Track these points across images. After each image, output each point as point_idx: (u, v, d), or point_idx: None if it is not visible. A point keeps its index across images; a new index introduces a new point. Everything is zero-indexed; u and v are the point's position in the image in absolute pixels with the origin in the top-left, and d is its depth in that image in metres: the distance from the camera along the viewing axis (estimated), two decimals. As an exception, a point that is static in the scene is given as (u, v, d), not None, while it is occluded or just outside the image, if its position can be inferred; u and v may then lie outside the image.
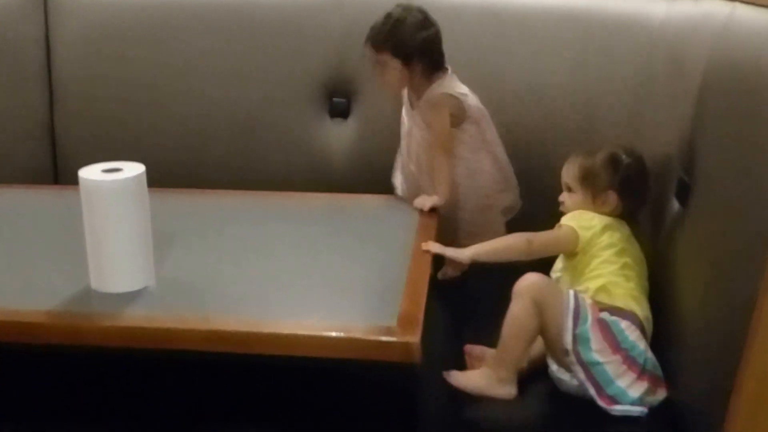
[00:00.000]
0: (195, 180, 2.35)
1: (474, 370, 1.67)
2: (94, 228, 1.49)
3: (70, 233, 1.59)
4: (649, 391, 1.61)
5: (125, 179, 1.47)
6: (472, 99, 2.05)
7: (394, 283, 1.55)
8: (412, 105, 2.07)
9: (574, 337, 1.59)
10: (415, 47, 1.96)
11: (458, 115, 2.01)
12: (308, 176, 2.39)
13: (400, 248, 1.71)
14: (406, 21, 1.97)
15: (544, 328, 1.62)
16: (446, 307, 1.89)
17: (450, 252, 1.77)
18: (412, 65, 1.97)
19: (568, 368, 1.62)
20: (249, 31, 2.43)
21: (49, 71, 2.52)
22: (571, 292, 1.63)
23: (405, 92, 2.11)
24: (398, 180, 2.18)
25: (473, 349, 1.75)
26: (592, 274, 1.71)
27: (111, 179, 1.46)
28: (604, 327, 1.61)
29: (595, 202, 1.80)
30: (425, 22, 1.99)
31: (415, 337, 1.35)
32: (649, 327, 1.68)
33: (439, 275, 2.02)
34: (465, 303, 1.97)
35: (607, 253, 1.72)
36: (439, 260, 1.83)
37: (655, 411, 1.60)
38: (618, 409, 1.58)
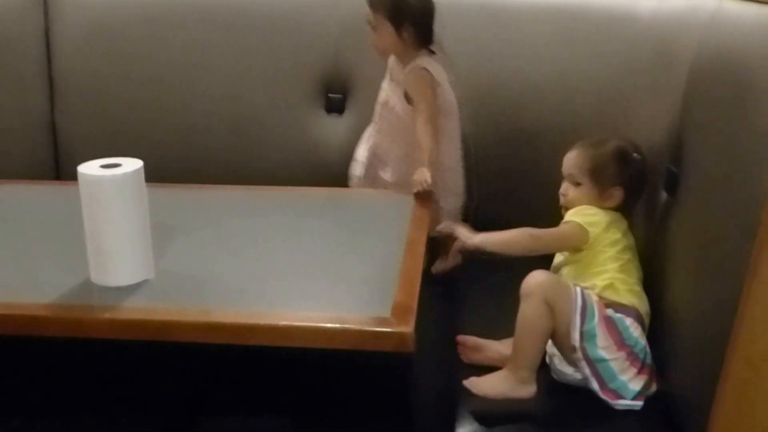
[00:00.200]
0: (193, 175, 2.34)
1: (492, 375, 1.63)
2: (94, 222, 1.48)
3: (70, 228, 1.58)
4: (647, 384, 1.61)
5: (124, 174, 1.47)
6: (447, 91, 2.07)
7: (389, 274, 1.54)
8: (392, 76, 2.10)
9: (582, 334, 1.58)
10: (409, 14, 2.01)
11: None
12: (305, 171, 2.40)
13: (394, 240, 1.71)
14: None
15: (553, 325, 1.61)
16: (439, 298, 1.89)
17: (461, 231, 1.76)
18: (402, 31, 2.01)
19: (573, 363, 1.61)
20: (247, 28, 2.44)
21: (50, 68, 2.52)
22: (578, 290, 1.62)
23: (390, 62, 2.13)
24: (360, 154, 2.18)
25: (467, 340, 1.75)
26: (598, 271, 1.69)
27: (110, 174, 1.46)
28: (610, 324, 1.61)
29: (601, 197, 1.76)
30: None
31: (409, 327, 1.35)
32: (647, 321, 1.68)
33: (432, 269, 2.03)
34: (458, 294, 1.97)
35: (612, 250, 1.70)
36: (432, 254, 1.83)
37: (647, 400, 1.60)
38: (621, 403, 1.59)
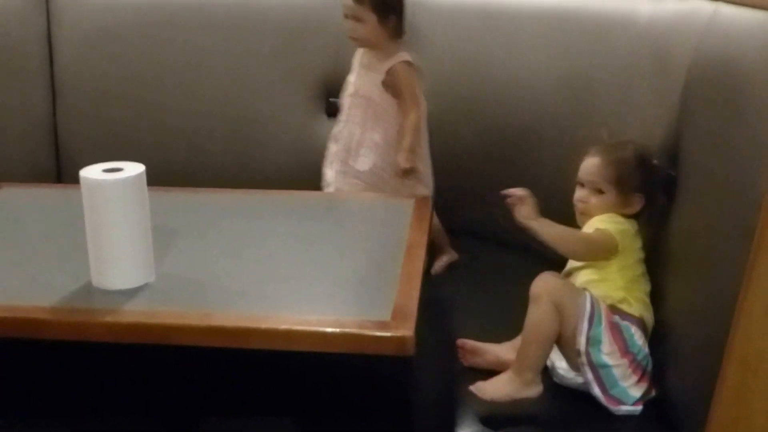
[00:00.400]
0: (194, 177, 2.35)
1: (498, 378, 1.59)
2: (96, 226, 1.47)
3: (72, 231, 1.57)
4: (647, 391, 1.59)
5: (125, 178, 1.45)
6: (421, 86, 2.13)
7: (389, 278, 1.53)
8: (367, 67, 2.14)
9: (588, 339, 1.56)
10: (392, 5, 2.08)
11: None
12: (305, 174, 2.38)
13: (394, 243, 1.69)
14: None
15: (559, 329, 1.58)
16: (439, 301, 1.88)
17: (521, 209, 1.65)
18: (386, 22, 2.07)
19: (575, 367, 1.59)
20: (248, 32, 2.44)
21: (52, 70, 2.52)
22: (588, 295, 1.59)
23: (360, 54, 2.17)
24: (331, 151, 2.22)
25: (465, 344, 1.72)
26: (613, 280, 1.64)
27: (112, 179, 1.45)
28: (616, 331, 1.58)
29: (623, 204, 1.69)
30: None
31: (409, 331, 1.34)
32: (650, 330, 1.65)
33: (432, 271, 2.02)
34: (457, 297, 1.96)
35: (632, 260, 1.66)
36: (430, 256, 1.81)
37: (646, 404, 1.59)
38: (622, 409, 1.57)
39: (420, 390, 1.62)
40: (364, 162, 2.16)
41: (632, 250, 1.66)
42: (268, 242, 1.74)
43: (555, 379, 1.65)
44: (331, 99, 2.38)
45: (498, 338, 1.73)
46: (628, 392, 1.57)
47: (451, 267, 2.15)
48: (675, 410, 1.54)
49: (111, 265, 1.48)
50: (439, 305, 1.87)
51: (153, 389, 1.61)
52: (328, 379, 1.55)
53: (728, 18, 1.58)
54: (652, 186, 1.68)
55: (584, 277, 1.67)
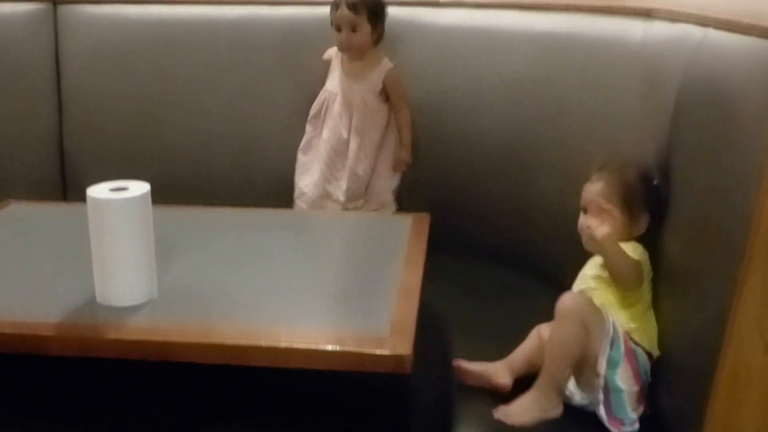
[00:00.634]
0: (198, 192, 2.35)
1: (522, 401, 1.56)
2: (101, 244, 1.47)
3: (77, 248, 1.57)
4: (644, 411, 1.58)
5: (131, 198, 1.45)
6: None
7: (387, 293, 1.53)
8: (357, 75, 2.25)
9: (607, 361, 1.54)
10: (382, 14, 2.22)
11: None
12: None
13: (392, 259, 1.69)
14: None
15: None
16: (437, 317, 1.87)
17: (605, 228, 1.61)
18: (375, 31, 2.21)
19: (586, 387, 1.56)
20: (253, 48, 2.45)
21: (59, 85, 2.52)
22: (610, 319, 1.56)
23: (336, 64, 2.26)
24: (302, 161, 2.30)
25: (460, 365, 1.69)
26: (632, 314, 1.61)
27: (117, 198, 1.45)
28: (632, 356, 1.57)
29: (630, 225, 1.66)
30: None
31: (407, 349, 1.33)
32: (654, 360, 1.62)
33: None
34: (455, 314, 1.95)
35: (645, 285, 1.63)
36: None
37: (641, 420, 1.58)
38: (625, 430, 1.55)
39: (417, 405, 1.60)
40: (358, 166, 2.23)
41: (648, 281, 1.64)
42: (267, 258, 1.73)
43: None
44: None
45: (493, 353, 1.72)
46: (631, 415, 1.55)
47: (447, 282, 2.14)
48: (668, 426, 1.53)
49: (115, 282, 1.48)
50: (435, 320, 1.86)
51: (152, 402, 1.59)
52: (325, 394, 1.54)
53: (717, 42, 1.58)
54: (655, 205, 1.66)
55: (600, 299, 1.64)
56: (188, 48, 2.47)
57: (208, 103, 2.47)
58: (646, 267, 1.63)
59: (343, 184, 2.26)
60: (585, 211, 1.73)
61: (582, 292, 1.64)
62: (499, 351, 1.71)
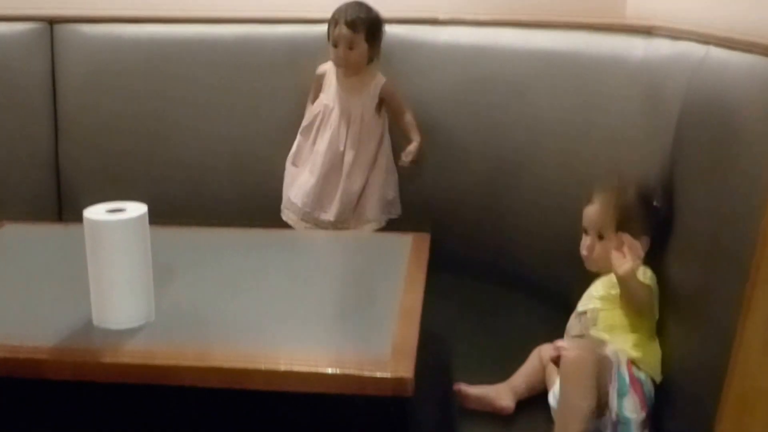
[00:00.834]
0: (195, 212, 2.34)
1: None
2: (98, 266, 1.46)
3: (73, 270, 1.56)
4: None
5: (129, 219, 1.45)
6: None
7: (387, 314, 1.52)
8: (353, 89, 2.28)
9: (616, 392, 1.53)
10: (379, 33, 2.26)
11: None
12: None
13: (392, 280, 1.68)
14: (373, 11, 2.25)
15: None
16: (437, 338, 1.86)
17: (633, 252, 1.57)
18: (372, 48, 2.25)
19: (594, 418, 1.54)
20: (250, 68, 2.45)
21: (55, 106, 2.52)
22: (615, 358, 1.54)
23: (331, 79, 2.29)
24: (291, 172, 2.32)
25: (460, 389, 1.68)
26: (635, 337, 1.60)
27: (115, 219, 1.44)
28: (638, 384, 1.55)
29: None
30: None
31: (408, 372, 1.33)
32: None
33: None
34: (456, 335, 1.94)
35: (654, 317, 1.62)
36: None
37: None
38: None
39: (418, 429, 1.60)
40: (351, 180, 2.26)
41: (656, 305, 1.62)
42: (266, 279, 1.73)
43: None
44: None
45: (495, 374, 1.71)
46: None
47: (447, 301, 2.14)
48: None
49: (112, 305, 1.47)
50: (435, 341, 1.85)
51: (149, 427, 1.58)
52: (324, 417, 1.53)
53: (719, 60, 1.58)
54: (655, 228, 1.65)
55: (606, 321, 1.63)
56: (185, 67, 2.47)
57: (206, 123, 2.47)
58: (655, 290, 1.62)
59: (336, 204, 2.28)
60: (586, 232, 1.72)
61: (585, 344, 1.61)
62: (500, 372, 1.70)
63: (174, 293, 1.62)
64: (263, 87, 2.44)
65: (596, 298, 1.67)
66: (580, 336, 1.64)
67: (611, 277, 1.64)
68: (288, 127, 2.40)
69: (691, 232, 1.56)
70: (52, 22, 2.51)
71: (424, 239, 1.91)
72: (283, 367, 1.36)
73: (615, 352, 1.56)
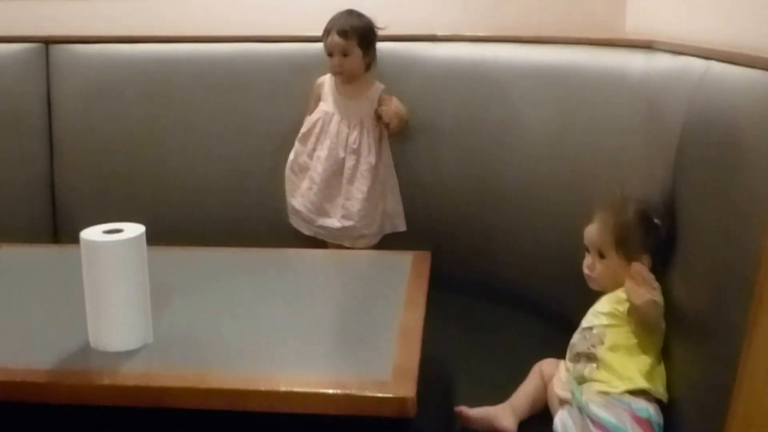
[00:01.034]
0: (191, 233, 2.34)
1: None
2: (95, 288, 1.46)
3: (69, 291, 1.57)
4: None
5: (126, 240, 1.45)
6: None
7: (388, 334, 1.52)
8: (353, 96, 2.33)
9: None
10: (372, 39, 2.30)
11: None
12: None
13: (392, 300, 1.68)
14: (364, 18, 2.31)
15: None
16: (438, 359, 1.86)
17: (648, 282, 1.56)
18: (366, 55, 2.30)
19: None
20: (245, 88, 2.46)
21: (50, 127, 2.52)
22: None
23: (331, 88, 2.34)
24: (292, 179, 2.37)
25: (461, 411, 1.67)
26: (642, 359, 1.57)
27: (111, 240, 1.44)
28: (646, 425, 1.52)
29: (630, 266, 1.62)
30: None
31: (410, 392, 1.33)
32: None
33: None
34: (457, 355, 1.94)
35: (660, 328, 1.60)
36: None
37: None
38: None
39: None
40: (357, 187, 2.30)
41: (663, 323, 1.61)
42: (265, 299, 1.73)
43: None
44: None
45: (496, 394, 1.71)
46: None
47: (446, 320, 2.14)
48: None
49: (110, 327, 1.47)
50: (435, 360, 1.85)
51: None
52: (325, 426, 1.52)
53: (720, 75, 1.58)
54: (656, 246, 1.64)
55: (613, 340, 1.61)
56: (181, 87, 2.48)
57: (202, 142, 2.48)
58: (662, 307, 1.60)
59: (339, 210, 2.33)
60: (588, 251, 1.72)
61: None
62: (502, 391, 1.70)
63: (172, 314, 1.62)
64: (260, 106, 2.45)
65: (602, 314, 1.65)
66: (586, 354, 1.63)
67: (617, 293, 1.64)
68: (285, 145, 2.41)
69: (695, 250, 1.55)
70: (47, 42, 2.52)
71: (425, 257, 1.92)
72: (283, 388, 1.35)
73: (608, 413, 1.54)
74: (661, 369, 1.59)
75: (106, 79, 2.50)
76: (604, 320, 1.64)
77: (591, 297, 1.74)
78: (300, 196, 2.37)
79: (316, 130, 2.35)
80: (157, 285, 1.56)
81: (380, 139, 2.35)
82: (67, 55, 2.51)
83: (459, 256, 2.29)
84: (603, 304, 1.67)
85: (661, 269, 1.64)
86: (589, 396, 1.57)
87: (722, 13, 1.88)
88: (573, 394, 1.60)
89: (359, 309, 1.71)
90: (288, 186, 2.41)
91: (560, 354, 1.73)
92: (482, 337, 2.03)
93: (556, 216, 2.07)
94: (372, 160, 2.31)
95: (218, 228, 2.47)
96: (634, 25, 2.45)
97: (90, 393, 1.39)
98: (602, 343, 1.61)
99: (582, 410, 1.56)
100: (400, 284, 1.76)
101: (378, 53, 2.35)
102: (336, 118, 2.32)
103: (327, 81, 2.38)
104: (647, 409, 1.54)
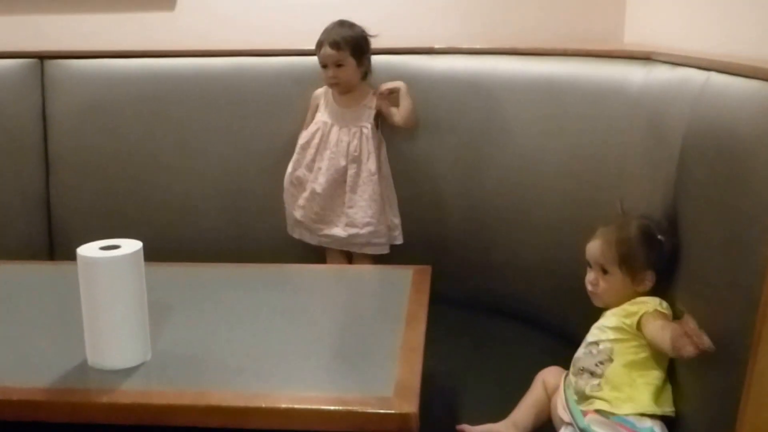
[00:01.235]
0: (188, 250, 2.34)
1: None
2: (92, 305, 1.46)
3: (66, 309, 1.57)
4: None
5: (123, 256, 1.45)
6: None
7: (389, 350, 1.52)
8: (350, 104, 2.36)
9: None
10: (365, 49, 2.34)
11: None
12: (299, 247, 2.40)
13: (393, 315, 1.68)
14: (357, 27, 2.34)
15: None
16: (440, 375, 1.86)
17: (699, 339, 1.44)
18: (361, 65, 2.33)
19: None
20: (241, 104, 2.47)
21: (46, 145, 2.53)
22: None
23: (328, 99, 2.37)
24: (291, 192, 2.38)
25: (464, 428, 1.68)
26: (650, 375, 1.58)
27: (108, 256, 1.44)
28: None
29: (633, 283, 1.65)
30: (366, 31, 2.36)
31: (413, 408, 1.32)
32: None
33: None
34: (458, 372, 1.94)
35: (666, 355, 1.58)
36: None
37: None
38: None
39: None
40: (360, 195, 2.33)
41: None
42: (264, 316, 1.73)
43: None
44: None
45: (498, 408, 1.71)
46: None
47: (447, 333, 2.14)
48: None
49: (108, 344, 1.47)
50: (437, 376, 1.85)
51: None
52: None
53: (721, 86, 1.58)
54: (659, 262, 1.64)
55: (627, 356, 1.60)
56: (176, 107, 2.48)
57: (197, 162, 2.49)
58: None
59: (343, 218, 2.36)
60: (590, 266, 1.72)
61: None
62: (504, 405, 1.71)
63: (170, 332, 1.62)
64: (256, 119, 2.46)
65: (609, 329, 1.64)
66: (590, 371, 1.63)
67: (624, 307, 1.64)
68: (282, 159, 2.42)
69: (698, 263, 1.55)
70: (42, 58, 2.53)
71: (425, 272, 1.92)
72: (284, 405, 1.35)
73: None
74: (668, 384, 1.59)
75: (101, 94, 2.50)
76: (611, 335, 1.63)
77: (590, 309, 1.74)
78: (301, 208, 2.39)
79: (315, 141, 2.36)
80: (156, 302, 1.55)
81: (379, 147, 2.37)
82: (62, 70, 2.52)
83: (458, 270, 2.29)
84: (609, 319, 1.66)
85: (665, 283, 1.65)
86: (590, 419, 1.57)
87: (722, 24, 1.88)
88: (573, 417, 1.60)
89: (360, 324, 1.71)
90: (288, 199, 2.42)
91: (561, 366, 1.73)
92: (483, 351, 2.03)
93: (555, 229, 2.08)
94: (372, 167, 2.33)
95: (215, 244, 2.47)
96: (633, 37, 2.45)
97: (88, 411, 1.39)
98: (611, 360, 1.61)
99: None
100: (401, 299, 1.76)
101: (375, 66, 2.37)
102: (335, 128, 2.35)
103: (323, 93, 2.40)
104: (652, 428, 1.53)
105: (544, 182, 2.16)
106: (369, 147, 2.34)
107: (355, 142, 2.34)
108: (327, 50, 2.29)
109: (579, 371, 1.65)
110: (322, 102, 2.40)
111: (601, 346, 1.64)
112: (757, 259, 1.30)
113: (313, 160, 2.37)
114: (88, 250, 1.46)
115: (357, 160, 2.34)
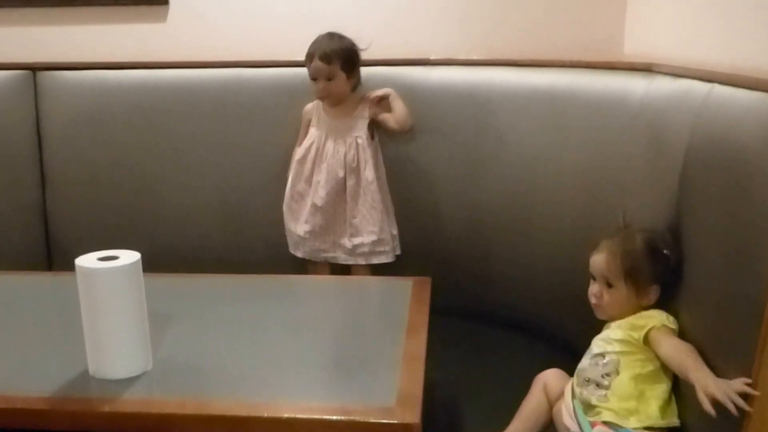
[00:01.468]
0: (185, 261, 2.35)
1: None
2: (92, 315, 1.47)
3: (66, 319, 1.58)
4: None
5: (121, 267, 1.46)
6: None
7: (391, 360, 1.53)
8: (343, 115, 2.37)
9: None
10: (355, 62, 2.34)
11: None
12: (298, 257, 2.41)
13: (394, 325, 1.70)
14: (346, 39, 2.33)
15: None
16: (441, 383, 1.88)
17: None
18: (351, 78, 2.34)
19: None
20: (235, 117, 2.48)
21: (41, 156, 2.54)
22: None
23: (320, 112, 2.38)
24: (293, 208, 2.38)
25: None
26: (658, 388, 1.58)
27: (107, 267, 1.45)
28: None
29: (638, 297, 1.66)
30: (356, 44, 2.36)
31: (415, 418, 1.34)
32: None
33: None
34: (461, 380, 1.96)
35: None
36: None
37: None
38: None
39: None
40: (362, 204, 2.34)
41: None
42: (265, 326, 1.74)
43: None
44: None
45: (500, 416, 1.72)
46: None
47: (448, 344, 2.16)
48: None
49: (109, 354, 1.48)
50: (438, 386, 1.86)
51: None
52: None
53: (723, 98, 1.58)
54: (665, 276, 1.64)
55: (634, 369, 1.61)
56: (171, 117, 2.50)
57: (193, 172, 2.49)
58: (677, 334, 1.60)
59: (348, 228, 2.37)
60: (594, 279, 1.73)
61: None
62: (505, 414, 1.72)
63: (171, 341, 1.63)
64: (250, 130, 2.47)
65: (615, 341, 1.65)
66: (596, 382, 1.64)
67: (630, 320, 1.65)
68: (277, 171, 2.43)
69: (701, 276, 1.55)
70: (34, 69, 2.54)
71: (425, 283, 1.93)
72: (286, 415, 1.36)
73: None
74: (672, 395, 1.60)
75: (95, 105, 2.51)
76: (617, 347, 1.64)
77: (590, 318, 1.75)
78: (304, 223, 2.39)
79: (311, 155, 2.37)
80: (156, 312, 1.57)
81: (375, 156, 2.38)
82: (54, 81, 2.54)
83: (456, 280, 2.31)
84: (615, 331, 1.67)
85: (668, 296, 1.65)
86: (598, 430, 1.58)
87: (723, 34, 1.88)
88: (581, 427, 1.61)
89: (361, 335, 1.72)
90: (289, 216, 2.43)
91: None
92: (483, 360, 2.04)
93: (554, 240, 2.09)
94: (370, 176, 2.34)
95: (213, 254, 2.48)
96: (633, 48, 2.46)
97: (91, 420, 1.40)
98: (617, 372, 1.61)
99: None
100: (402, 310, 1.77)
101: (372, 78, 2.38)
102: (330, 140, 2.35)
103: (315, 107, 2.41)
104: None
105: (543, 194, 2.17)
106: (365, 156, 2.35)
107: (352, 152, 2.35)
108: (318, 63, 2.30)
109: (584, 382, 1.65)
110: (314, 117, 2.40)
111: (607, 358, 1.64)
112: (761, 271, 1.31)
113: (312, 174, 2.37)
114: (87, 261, 1.47)
115: (355, 171, 2.35)
